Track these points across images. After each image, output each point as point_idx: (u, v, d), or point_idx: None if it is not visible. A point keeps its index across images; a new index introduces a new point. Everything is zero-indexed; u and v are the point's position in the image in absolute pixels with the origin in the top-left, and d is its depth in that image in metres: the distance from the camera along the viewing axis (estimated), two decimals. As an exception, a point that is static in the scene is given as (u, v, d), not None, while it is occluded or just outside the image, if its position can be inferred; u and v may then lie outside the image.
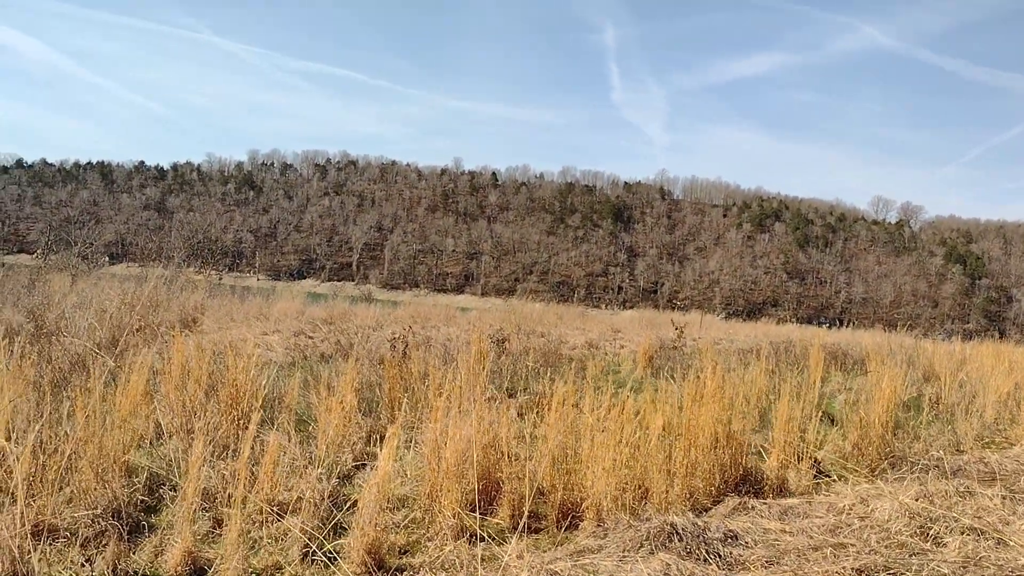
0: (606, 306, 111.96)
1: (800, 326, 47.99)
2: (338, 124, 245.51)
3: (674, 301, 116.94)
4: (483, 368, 7.65)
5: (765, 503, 4.81)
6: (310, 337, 15.81)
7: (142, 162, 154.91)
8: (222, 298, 21.15)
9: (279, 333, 16.44)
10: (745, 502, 4.82)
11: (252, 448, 5.38)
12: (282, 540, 4.07)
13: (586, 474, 4.61)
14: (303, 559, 3.82)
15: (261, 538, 4.06)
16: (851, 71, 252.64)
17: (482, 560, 3.81)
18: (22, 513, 3.68)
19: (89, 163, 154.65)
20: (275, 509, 4.30)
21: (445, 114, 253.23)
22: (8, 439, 4.76)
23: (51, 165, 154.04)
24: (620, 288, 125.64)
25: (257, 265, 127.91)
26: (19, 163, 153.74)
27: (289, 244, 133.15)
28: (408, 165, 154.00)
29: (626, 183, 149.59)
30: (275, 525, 4.21)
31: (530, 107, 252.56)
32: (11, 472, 3.87)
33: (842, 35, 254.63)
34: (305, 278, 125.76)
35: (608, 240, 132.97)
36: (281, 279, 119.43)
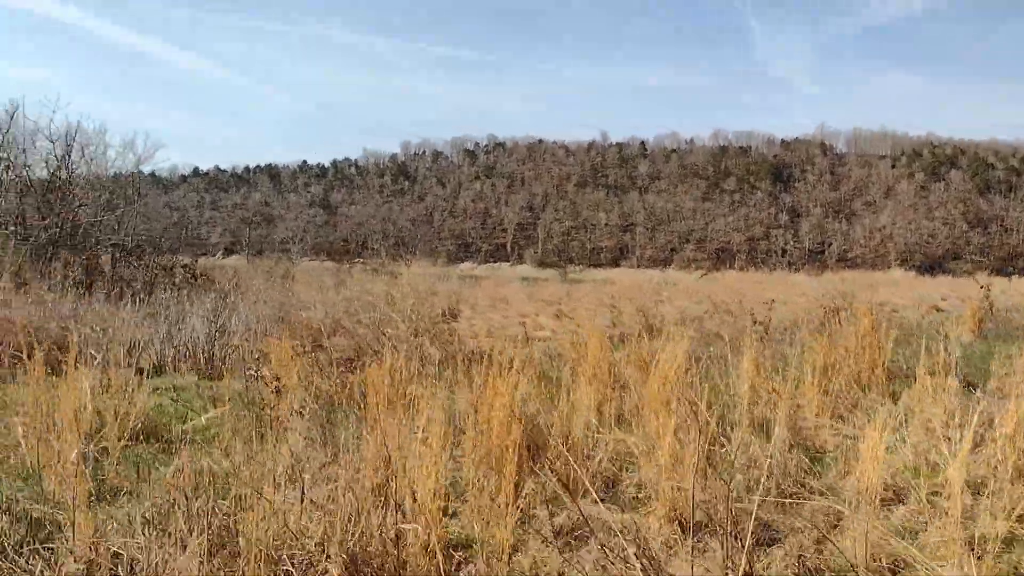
0: (771, 271, 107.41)
1: (992, 277, 44.03)
2: (480, 107, 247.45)
3: (844, 260, 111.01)
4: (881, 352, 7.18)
5: None
6: (571, 318, 15.88)
7: (305, 162, 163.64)
8: (449, 286, 21.80)
9: (538, 315, 16.65)
10: None
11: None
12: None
13: None
14: None
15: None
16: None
17: None
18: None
19: (258, 166, 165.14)
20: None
21: (582, 87, 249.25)
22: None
23: (224, 171, 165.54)
24: (784, 251, 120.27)
25: (417, 252, 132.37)
26: (195, 171, 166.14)
27: (445, 229, 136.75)
28: (555, 142, 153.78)
29: (783, 140, 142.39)
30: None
31: (670, 70, 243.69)
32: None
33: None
34: (463, 261, 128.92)
35: (768, 202, 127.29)
36: (439, 264, 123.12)
